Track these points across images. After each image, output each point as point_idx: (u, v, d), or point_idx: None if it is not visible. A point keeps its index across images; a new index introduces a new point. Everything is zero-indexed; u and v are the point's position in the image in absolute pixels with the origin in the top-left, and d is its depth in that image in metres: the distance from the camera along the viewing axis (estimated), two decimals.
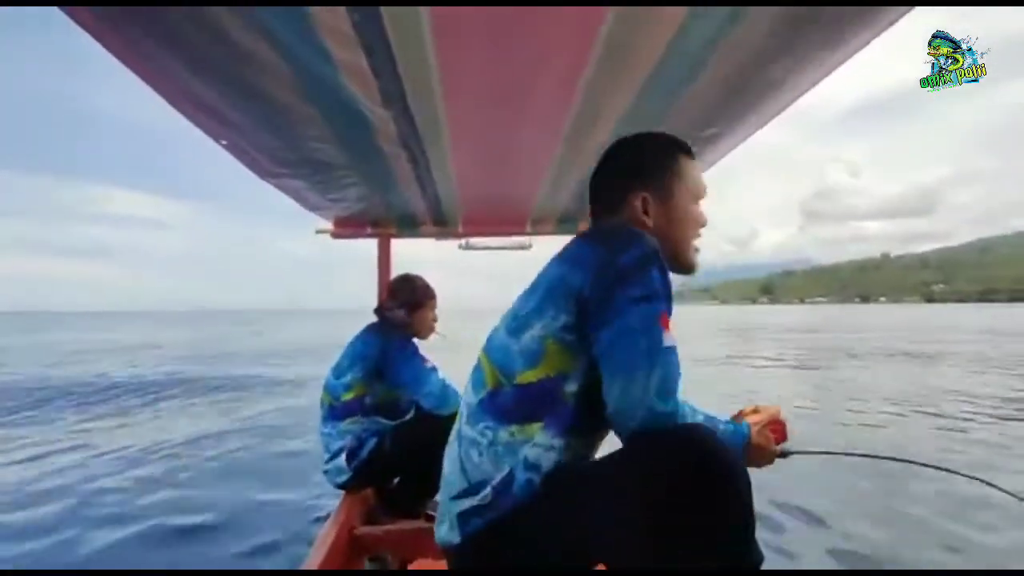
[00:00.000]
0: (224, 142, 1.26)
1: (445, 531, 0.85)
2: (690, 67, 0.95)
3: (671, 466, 0.72)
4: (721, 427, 0.87)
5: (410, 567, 1.48)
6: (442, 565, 1.34)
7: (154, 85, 0.97)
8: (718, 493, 0.71)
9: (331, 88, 0.99)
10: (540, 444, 0.81)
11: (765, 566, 0.73)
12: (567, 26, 0.83)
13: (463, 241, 2.21)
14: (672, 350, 0.77)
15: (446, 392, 1.68)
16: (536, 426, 0.81)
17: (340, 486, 1.71)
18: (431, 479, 1.78)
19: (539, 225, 2.18)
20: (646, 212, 0.93)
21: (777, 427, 0.96)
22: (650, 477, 0.72)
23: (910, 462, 1.10)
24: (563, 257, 0.86)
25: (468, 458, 0.84)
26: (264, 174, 1.50)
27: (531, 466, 0.81)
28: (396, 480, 1.80)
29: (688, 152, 0.98)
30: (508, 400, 0.82)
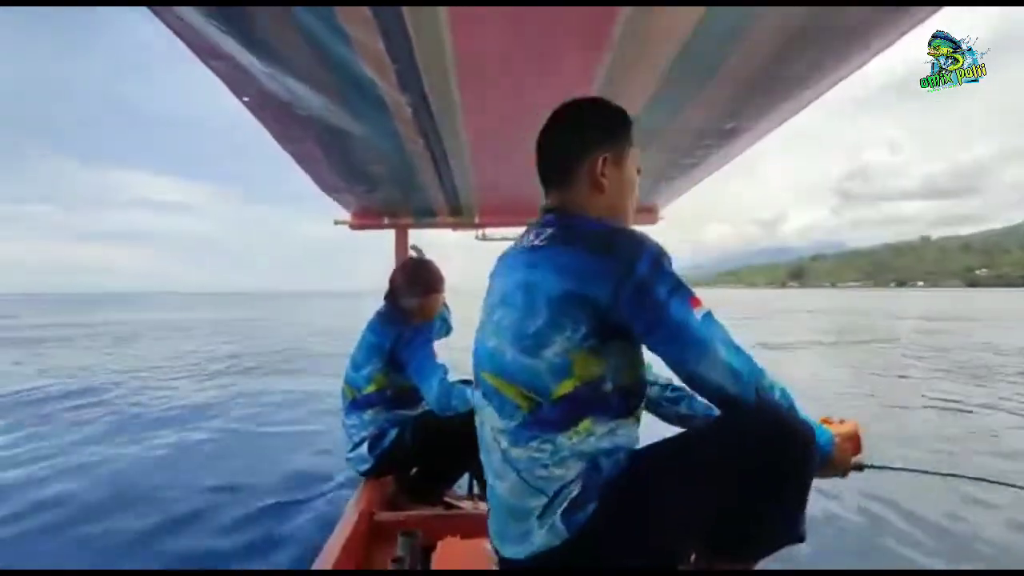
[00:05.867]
0: (246, 99, 1.24)
1: (522, 549, 0.86)
2: (709, 62, 0.92)
3: (763, 442, 0.81)
4: (810, 421, 0.89)
5: (435, 552, 1.51)
6: (462, 549, 1.37)
7: (179, 33, 0.96)
8: (797, 470, 0.82)
9: (349, 68, 0.99)
10: (599, 433, 0.86)
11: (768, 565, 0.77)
12: (583, 18, 0.81)
13: (480, 232, 2.20)
14: (709, 317, 0.83)
15: (448, 394, 1.62)
16: (587, 422, 0.85)
17: (363, 474, 1.76)
18: (451, 467, 1.82)
19: None
20: (603, 174, 0.93)
21: (855, 441, 0.97)
22: (743, 449, 0.82)
23: (1000, 483, 1.07)
24: (557, 268, 0.85)
25: (534, 476, 0.85)
26: (282, 138, 1.46)
27: (607, 452, 0.86)
28: (416, 468, 1.84)
29: (629, 121, 0.99)
30: (552, 413, 0.84)
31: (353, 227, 2.16)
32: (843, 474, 0.96)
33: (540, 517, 0.84)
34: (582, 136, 0.95)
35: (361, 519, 1.58)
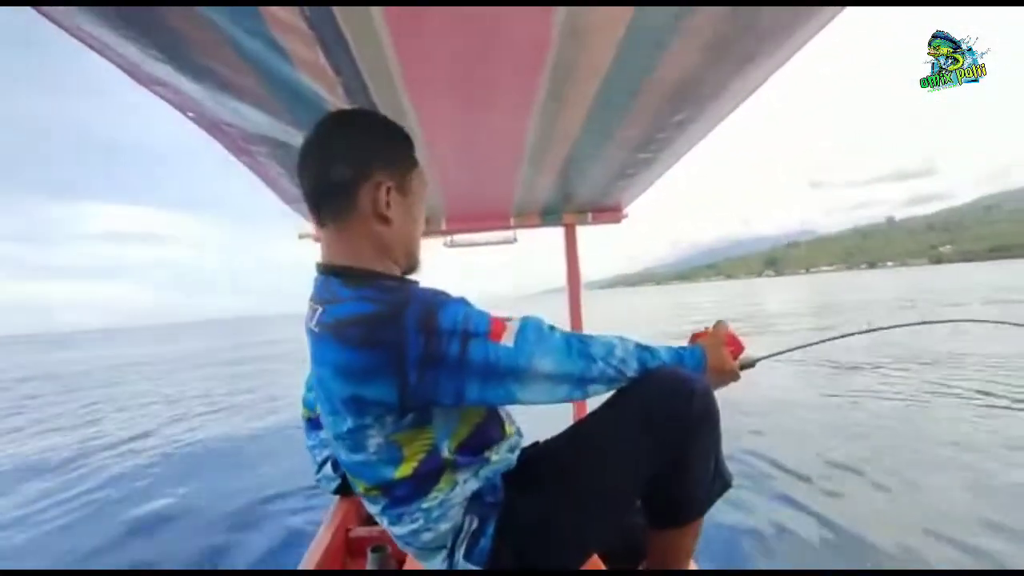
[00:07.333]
0: (191, 115, 1.21)
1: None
2: (653, 50, 0.92)
3: (658, 404, 0.81)
4: (663, 352, 0.87)
5: (405, 565, 1.51)
6: None
7: (112, 60, 0.92)
8: (699, 424, 0.82)
9: (293, 85, 0.97)
10: (462, 481, 0.82)
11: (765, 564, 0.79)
12: (522, 18, 0.81)
13: (448, 239, 2.19)
14: (523, 333, 0.76)
15: None
16: (445, 478, 0.80)
17: (335, 492, 1.73)
18: None
19: (523, 218, 2.15)
20: (388, 204, 0.82)
21: (731, 341, 0.95)
22: (640, 416, 0.82)
23: (884, 328, 1.10)
24: (335, 368, 0.74)
25: (423, 541, 0.82)
26: (234, 150, 1.44)
27: (482, 487, 0.83)
28: None
29: (409, 137, 0.90)
30: (405, 490, 0.79)
31: (318, 240, 2.12)
32: (735, 378, 0.93)
33: (451, 567, 0.83)
34: (359, 160, 0.82)
35: (336, 535, 1.56)
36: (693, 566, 1.05)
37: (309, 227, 2.13)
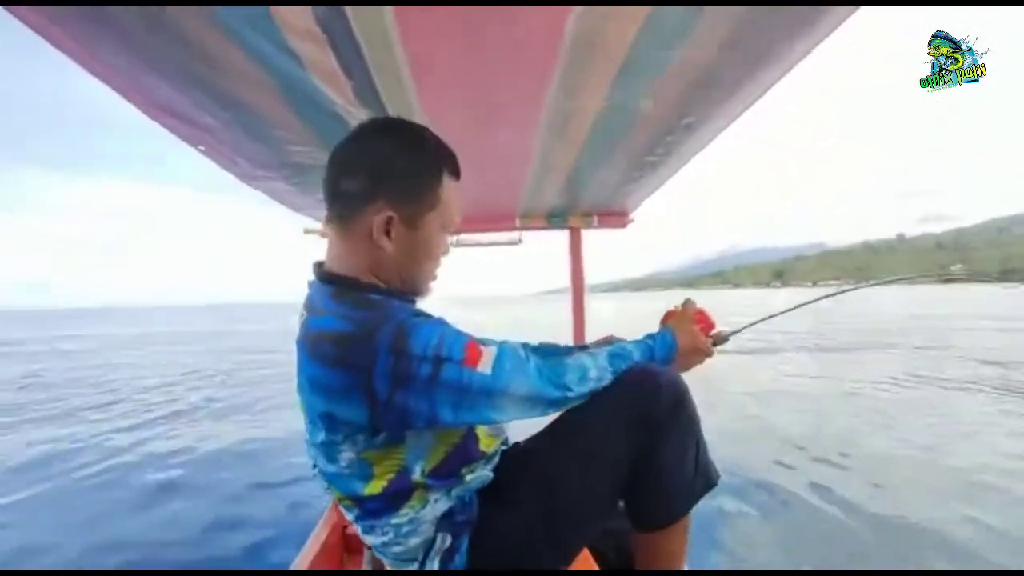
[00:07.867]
0: (202, 148, 1.25)
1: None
2: (663, 53, 0.93)
3: (626, 403, 0.81)
4: (635, 351, 0.88)
5: None
6: None
7: (123, 93, 0.96)
8: (670, 417, 0.81)
9: (306, 90, 0.98)
10: (434, 500, 0.82)
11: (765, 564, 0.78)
12: (535, 18, 0.81)
13: (453, 238, 2.20)
14: (500, 361, 0.74)
15: None
16: (417, 495, 0.80)
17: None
18: None
19: (528, 220, 2.15)
20: (388, 234, 0.80)
21: (701, 319, 0.95)
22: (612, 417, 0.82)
23: (851, 289, 1.17)
24: (311, 382, 0.75)
25: (393, 553, 0.83)
26: (245, 177, 1.49)
27: (453, 506, 0.83)
28: None
29: (455, 171, 0.87)
30: (376, 505, 0.80)
31: (324, 236, 2.13)
32: (708, 354, 0.93)
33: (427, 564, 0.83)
34: (370, 181, 0.80)
35: (332, 532, 1.56)
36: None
37: (315, 224, 2.14)
